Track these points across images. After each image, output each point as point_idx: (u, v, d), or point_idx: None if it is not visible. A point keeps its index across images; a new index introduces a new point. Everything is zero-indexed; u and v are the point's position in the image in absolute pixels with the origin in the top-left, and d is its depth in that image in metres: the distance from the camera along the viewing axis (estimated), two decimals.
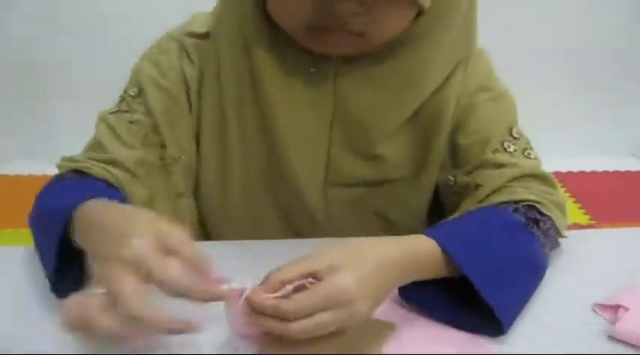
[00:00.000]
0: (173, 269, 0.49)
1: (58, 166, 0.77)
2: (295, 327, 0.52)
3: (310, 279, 0.54)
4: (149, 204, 0.77)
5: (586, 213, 2.29)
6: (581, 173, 2.60)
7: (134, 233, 0.50)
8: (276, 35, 0.73)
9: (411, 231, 0.85)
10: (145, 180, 0.76)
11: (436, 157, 0.80)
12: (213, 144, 0.79)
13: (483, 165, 0.77)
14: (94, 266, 0.52)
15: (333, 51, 0.72)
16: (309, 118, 0.77)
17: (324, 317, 0.52)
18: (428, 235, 0.62)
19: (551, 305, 0.67)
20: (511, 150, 0.78)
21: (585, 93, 2.67)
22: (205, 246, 0.79)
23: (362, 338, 0.59)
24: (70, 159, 0.76)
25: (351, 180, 0.81)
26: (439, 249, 0.61)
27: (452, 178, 0.80)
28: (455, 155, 0.80)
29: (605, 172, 2.63)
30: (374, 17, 0.66)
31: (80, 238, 0.58)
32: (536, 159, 0.79)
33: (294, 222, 0.83)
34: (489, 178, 0.76)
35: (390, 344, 0.60)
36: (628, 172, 2.65)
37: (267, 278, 0.55)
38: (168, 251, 0.50)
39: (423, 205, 0.84)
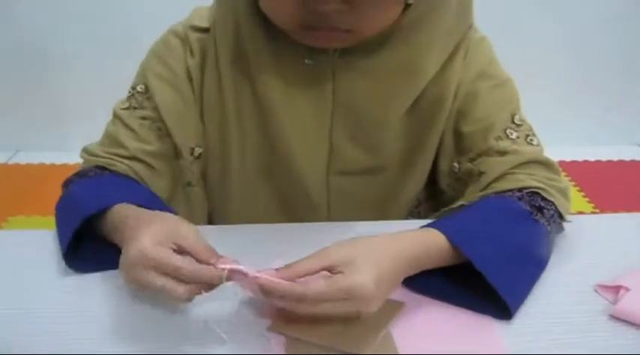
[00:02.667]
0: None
1: (84, 160, 0.82)
2: (306, 309, 0.56)
3: (326, 272, 0.57)
4: (170, 194, 0.82)
5: (590, 202, 2.30)
6: (586, 162, 2.60)
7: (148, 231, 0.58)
8: (271, 29, 0.74)
9: (404, 217, 0.88)
10: (163, 172, 0.81)
11: (433, 144, 0.82)
12: (214, 133, 0.82)
13: (486, 152, 0.79)
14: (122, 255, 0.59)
15: (326, 45, 0.73)
16: (308, 111, 0.78)
17: (336, 306, 0.56)
18: (438, 228, 0.65)
19: (555, 287, 0.69)
20: (513, 137, 0.79)
21: (590, 82, 2.67)
22: (205, 230, 0.82)
23: (371, 316, 0.61)
24: (93, 154, 0.81)
25: (353, 168, 0.83)
26: (448, 242, 0.64)
27: (456, 165, 0.82)
28: (458, 142, 0.81)
29: (610, 161, 2.63)
30: (360, 14, 0.66)
31: (111, 234, 0.66)
32: (538, 145, 0.80)
33: (294, 210, 0.86)
34: (492, 165, 0.78)
35: (399, 322, 0.62)
36: (632, 161, 2.65)
37: (288, 267, 0.58)
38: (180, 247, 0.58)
39: (416, 191, 0.87)
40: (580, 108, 2.69)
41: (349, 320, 0.60)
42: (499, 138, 0.79)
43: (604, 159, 2.64)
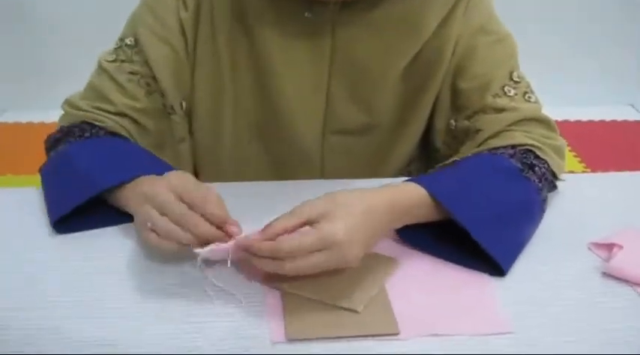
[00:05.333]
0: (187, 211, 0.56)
1: (65, 113, 0.79)
2: (289, 266, 0.55)
3: (307, 228, 0.57)
4: (155, 152, 0.79)
5: (581, 162, 2.32)
6: (578, 122, 2.60)
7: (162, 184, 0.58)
8: None
9: (396, 175, 0.87)
10: (149, 130, 0.79)
11: (429, 102, 0.81)
12: (207, 86, 0.80)
13: (484, 109, 0.78)
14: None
15: None
16: (306, 65, 0.77)
17: (316, 257, 0.55)
18: (416, 181, 0.64)
19: (546, 245, 0.69)
20: (511, 94, 0.78)
21: (583, 43, 2.65)
22: None
23: (365, 272, 0.62)
24: (77, 107, 0.78)
25: (349, 127, 0.82)
26: (427, 193, 0.63)
27: (453, 122, 0.81)
28: (455, 99, 0.80)
29: (602, 121, 2.63)
30: None
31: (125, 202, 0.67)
32: (536, 102, 0.80)
33: (287, 170, 0.85)
34: (489, 122, 0.77)
35: (393, 278, 0.62)
36: (624, 122, 2.65)
37: (265, 227, 0.58)
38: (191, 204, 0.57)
39: (410, 150, 0.86)
40: (573, 69, 2.67)
41: (345, 276, 0.60)
42: (496, 95, 0.78)
43: (596, 119, 2.64)
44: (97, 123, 0.76)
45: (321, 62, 0.77)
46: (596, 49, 2.66)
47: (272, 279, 0.61)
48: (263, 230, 0.57)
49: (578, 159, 2.33)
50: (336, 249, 0.55)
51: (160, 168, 0.66)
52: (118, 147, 0.74)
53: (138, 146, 0.76)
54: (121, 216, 0.69)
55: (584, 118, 2.63)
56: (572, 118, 2.60)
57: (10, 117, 2.58)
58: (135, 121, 0.77)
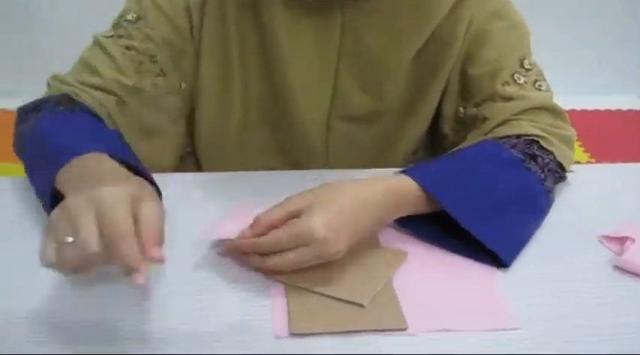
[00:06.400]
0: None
1: (50, 87, 0.75)
2: (269, 263, 0.57)
3: (294, 220, 0.57)
4: (138, 132, 0.76)
5: (586, 151, 2.30)
6: (584, 111, 2.58)
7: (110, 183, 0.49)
8: None
9: (402, 162, 0.85)
10: (134, 110, 0.75)
11: (438, 88, 0.80)
12: (215, 72, 0.78)
13: (492, 97, 0.77)
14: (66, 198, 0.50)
15: None
16: (314, 49, 0.75)
17: (293, 254, 0.55)
18: (407, 172, 0.64)
19: (557, 238, 0.67)
20: (521, 81, 0.77)
21: (589, 31, 2.62)
22: (203, 177, 0.80)
23: (372, 265, 0.60)
24: (61, 80, 0.74)
25: (356, 113, 0.80)
26: (422, 190, 0.63)
27: (462, 110, 0.80)
28: (465, 86, 0.79)
29: (608, 111, 2.61)
30: None
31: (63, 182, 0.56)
32: (547, 90, 0.78)
33: (292, 154, 0.84)
34: (496, 111, 0.76)
35: (400, 271, 0.61)
36: (630, 111, 2.63)
37: (255, 221, 0.58)
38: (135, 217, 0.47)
39: (417, 137, 0.85)
40: (579, 57, 2.65)
41: (350, 269, 0.59)
42: (506, 83, 0.76)
43: (602, 108, 2.62)
44: (75, 97, 0.71)
45: (330, 47, 0.75)
46: (603, 37, 2.64)
47: (276, 273, 0.59)
48: (252, 225, 0.58)
49: (583, 148, 2.31)
50: (314, 245, 0.55)
51: (112, 146, 0.60)
52: (82, 121, 0.69)
53: (109, 129, 0.71)
54: None
55: (590, 108, 2.61)
56: (578, 108, 2.58)
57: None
58: (120, 100, 0.73)
